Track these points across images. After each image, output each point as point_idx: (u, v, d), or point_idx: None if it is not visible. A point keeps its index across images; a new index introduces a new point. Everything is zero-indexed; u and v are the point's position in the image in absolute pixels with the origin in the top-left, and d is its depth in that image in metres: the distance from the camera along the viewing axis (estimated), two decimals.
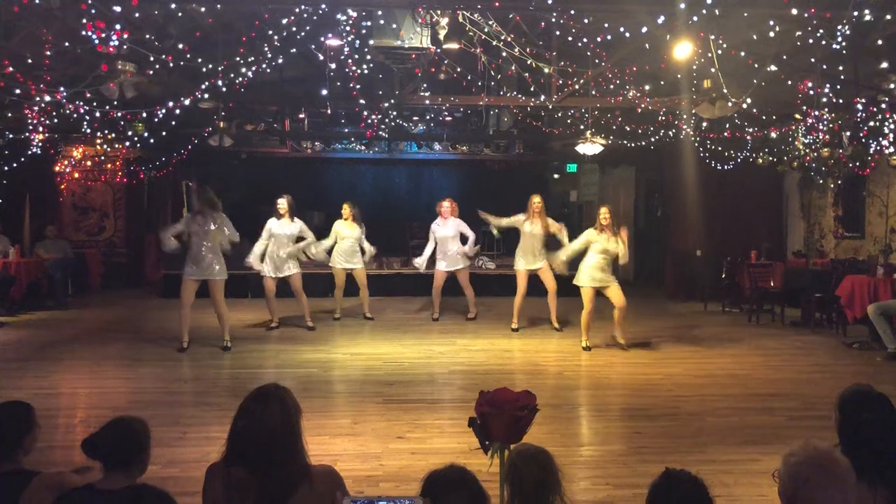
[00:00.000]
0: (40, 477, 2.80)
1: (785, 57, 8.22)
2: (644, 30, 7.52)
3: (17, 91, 7.90)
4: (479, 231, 11.33)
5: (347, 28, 8.01)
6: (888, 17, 7.07)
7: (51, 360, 8.38)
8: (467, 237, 10.90)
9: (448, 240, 10.83)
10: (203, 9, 7.43)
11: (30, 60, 7.67)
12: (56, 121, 10.08)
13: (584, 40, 8.49)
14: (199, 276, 8.65)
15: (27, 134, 10.82)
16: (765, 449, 5.32)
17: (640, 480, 2.58)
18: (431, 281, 11.19)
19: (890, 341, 8.64)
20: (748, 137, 11.92)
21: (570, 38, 8.59)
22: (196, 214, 8.73)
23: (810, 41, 7.41)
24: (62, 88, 7.70)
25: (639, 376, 7.80)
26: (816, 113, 9.18)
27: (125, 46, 7.05)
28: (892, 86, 8.34)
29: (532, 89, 9.88)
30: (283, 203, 9.95)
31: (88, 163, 15.04)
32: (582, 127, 11.88)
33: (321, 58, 9.09)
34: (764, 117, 10.67)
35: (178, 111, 8.60)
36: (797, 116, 10.43)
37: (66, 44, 7.32)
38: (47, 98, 7.89)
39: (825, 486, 2.04)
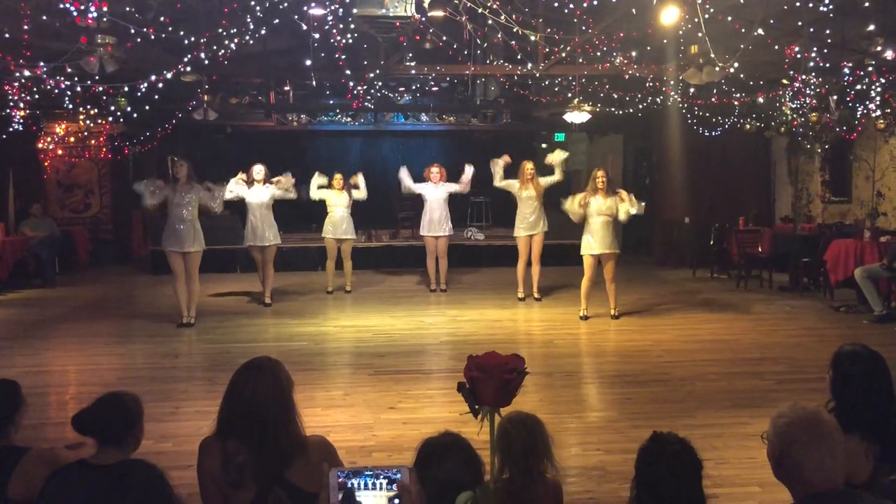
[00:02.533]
0: (32, 453, 2.80)
1: (772, 21, 8.17)
2: None
3: None
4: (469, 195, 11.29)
5: None
6: None
7: (40, 338, 8.35)
8: (457, 192, 11.01)
9: (438, 204, 10.80)
10: None
11: (7, 35, 7.53)
12: (37, 97, 9.94)
13: (571, 6, 8.41)
14: (180, 248, 8.63)
15: (8, 110, 10.67)
16: (754, 412, 5.37)
17: (631, 446, 2.61)
18: (420, 252, 11.19)
19: (877, 304, 8.73)
20: (735, 103, 11.91)
21: (555, 5, 8.50)
22: (177, 184, 8.65)
23: (797, 4, 7.36)
24: (42, 63, 7.58)
25: (629, 343, 7.85)
26: (803, 77, 9.16)
27: (105, 19, 6.93)
28: (878, 48, 8.31)
29: (519, 57, 9.81)
30: (259, 171, 9.87)
31: (72, 139, 14.87)
32: (569, 95, 11.82)
33: (305, 28, 8.97)
34: (751, 83, 10.64)
35: (160, 85, 8.50)
36: (784, 81, 10.41)
37: (45, 17, 7.18)
38: (27, 73, 7.76)
39: (813, 445, 2.06)
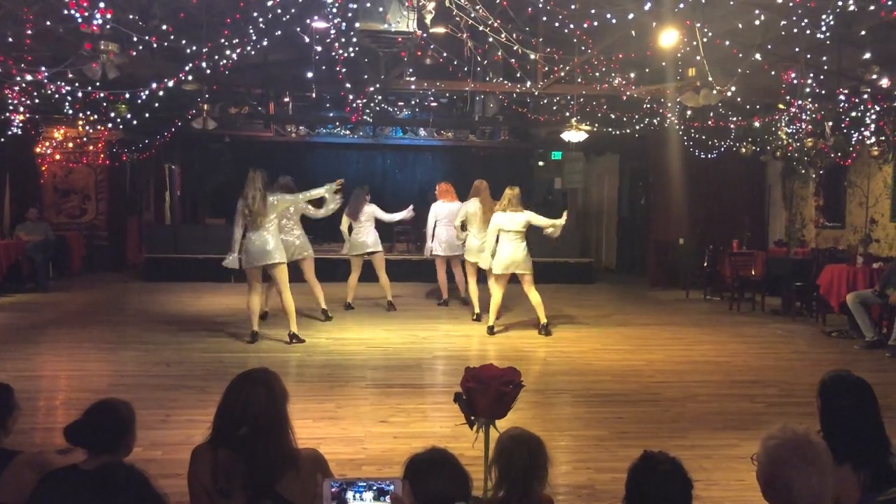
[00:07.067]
0: (21, 456, 2.78)
1: (769, 46, 8.26)
2: (630, 16, 7.52)
3: None
4: None
5: (334, 10, 7.94)
6: (871, 7, 7.10)
7: (32, 342, 8.32)
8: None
9: (448, 223, 10.76)
10: None
11: (10, 39, 7.56)
12: (37, 101, 9.95)
13: (571, 27, 8.47)
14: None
15: (7, 114, 10.68)
16: (744, 434, 5.38)
17: (620, 465, 2.62)
18: (415, 267, 11.18)
19: (868, 330, 8.76)
20: (732, 126, 11.97)
21: (556, 25, 8.56)
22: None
23: (795, 31, 7.44)
24: (43, 68, 7.60)
25: (621, 362, 7.86)
26: (800, 103, 9.23)
27: (108, 26, 6.95)
28: (874, 76, 8.40)
29: (518, 75, 9.86)
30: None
31: (70, 144, 14.86)
32: (567, 114, 11.89)
33: (307, 41, 9.01)
34: (748, 106, 10.71)
35: (161, 93, 8.50)
36: (780, 106, 10.49)
37: (48, 23, 7.21)
38: (28, 78, 7.78)
39: (802, 467, 2.07)
